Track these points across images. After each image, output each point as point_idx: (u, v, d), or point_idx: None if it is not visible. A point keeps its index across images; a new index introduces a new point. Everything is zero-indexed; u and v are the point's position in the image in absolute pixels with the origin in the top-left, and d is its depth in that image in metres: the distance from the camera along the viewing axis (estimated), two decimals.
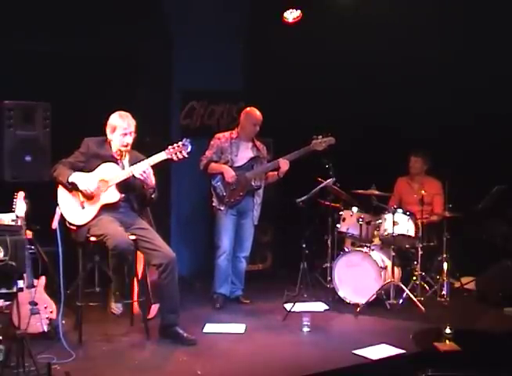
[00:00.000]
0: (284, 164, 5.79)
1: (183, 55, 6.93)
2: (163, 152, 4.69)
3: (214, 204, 5.89)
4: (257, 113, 5.89)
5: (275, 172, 5.89)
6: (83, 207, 4.73)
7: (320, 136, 5.81)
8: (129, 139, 4.81)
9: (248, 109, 5.95)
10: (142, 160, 4.76)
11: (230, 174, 5.75)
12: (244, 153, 5.90)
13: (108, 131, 4.83)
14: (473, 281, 6.43)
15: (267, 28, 7.02)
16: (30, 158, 5.41)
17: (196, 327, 5.10)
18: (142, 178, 4.68)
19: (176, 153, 4.66)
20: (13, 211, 4.51)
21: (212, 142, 5.91)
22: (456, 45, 6.61)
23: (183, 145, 4.67)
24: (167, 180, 6.58)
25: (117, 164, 4.83)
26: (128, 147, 4.85)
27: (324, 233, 6.44)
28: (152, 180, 4.74)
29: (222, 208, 5.83)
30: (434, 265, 6.41)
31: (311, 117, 7.00)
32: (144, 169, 4.66)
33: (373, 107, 7.01)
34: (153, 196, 4.87)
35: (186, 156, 4.73)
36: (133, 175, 4.74)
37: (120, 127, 4.77)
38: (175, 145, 4.68)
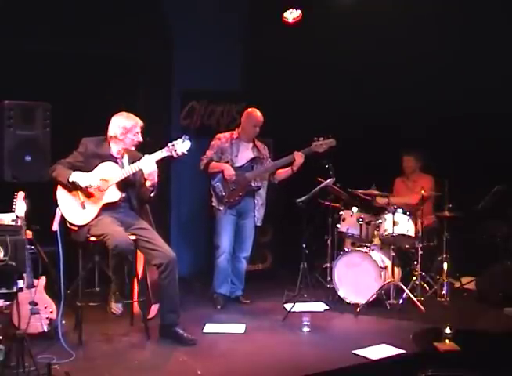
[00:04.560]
0: (299, 156, 5.75)
1: (183, 55, 6.93)
2: (163, 149, 4.71)
3: (213, 204, 5.89)
4: (258, 114, 5.89)
5: (288, 168, 5.88)
6: (84, 208, 4.72)
7: (321, 138, 5.79)
8: (140, 139, 4.86)
9: (249, 110, 5.95)
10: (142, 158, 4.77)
11: (230, 172, 5.75)
12: (244, 154, 5.90)
13: (117, 131, 4.82)
14: (473, 281, 6.43)
15: (267, 28, 7.02)
16: (30, 158, 5.41)
17: (196, 327, 5.10)
18: (149, 171, 4.68)
19: (176, 150, 4.68)
20: (13, 211, 4.51)
21: (213, 143, 5.92)
22: (455, 44, 6.61)
23: (182, 142, 4.69)
24: (167, 180, 6.58)
25: (117, 163, 4.83)
26: (134, 147, 4.88)
27: (324, 233, 6.45)
28: (155, 177, 4.76)
29: (221, 208, 5.83)
30: (434, 265, 6.42)
31: (312, 117, 7.00)
32: (153, 162, 4.68)
33: (373, 107, 7.02)
34: (152, 194, 4.88)
35: (186, 152, 4.76)
36: (133, 174, 4.75)
37: (134, 127, 4.82)
38: (175, 142, 4.71)
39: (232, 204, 5.82)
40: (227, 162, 5.83)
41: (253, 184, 5.88)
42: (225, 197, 5.81)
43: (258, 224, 5.97)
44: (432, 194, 6.32)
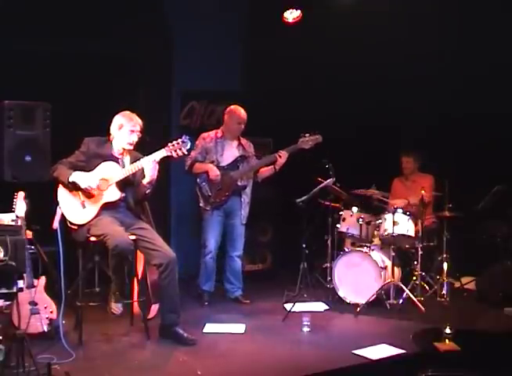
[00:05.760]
0: (283, 155, 5.75)
1: (183, 55, 6.94)
2: (163, 149, 4.72)
3: (200, 205, 5.88)
4: (242, 111, 5.88)
5: (271, 166, 5.87)
6: (84, 207, 4.73)
7: (307, 135, 5.78)
8: (135, 138, 4.85)
9: (232, 107, 5.93)
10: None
11: (215, 172, 5.75)
12: (230, 153, 5.89)
13: (114, 128, 4.85)
14: (473, 281, 6.43)
15: (267, 28, 7.02)
16: (30, 158, 5.41)
17: (196, 327, 5.10)
18: (149, 170, 4.68)
19: (176, 150, 4.70)
20: (13, 211, 4.51)
21: (197, 143, 5.89)
22: (455, 44, 6.61)
23: (182, 142, 4.71)
24: (167, 180, 6.58)
25: (118, 163, 4.84)
26: (132, 147, 4.87)
27: (324, 233, 6.44)
28: (155, 175, 4.76)
29: (208, 208, 5.83)
30: (434, 265, 6.42)
31: (311, 116, 7.00)
32: (154, 160, 4.68)
33: (373, 107, 7.02)
34: (147, 192, 4.88)
35: (186, 153, 4.80)
36: (133, 173, 4.76)
37: (128, 124, 4.82)
38: (175, 142, 4.72)
39: (219, 204, 5.82)
40: (212, 162, 5.82)
41: (239, 183, 5.87)
42: (212, 197, 5.80)
43: (243, 222, 5.96)
44: (435, 194, 6.31)
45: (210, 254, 5.88)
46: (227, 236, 5.96)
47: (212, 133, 5.93)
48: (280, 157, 5.75)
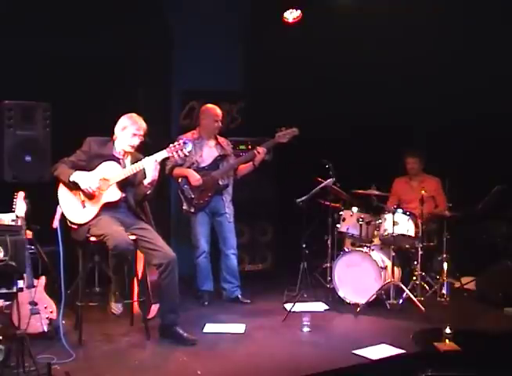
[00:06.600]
0: (261, 151, 5.76)
1: (183, 55, 6.94)
2: (164, 150, 4.72)
3: (184, 207, 5.85)
4: (217, 109, 5.89)
5: (250, 163, 5.87)
6: (84, 207, 4.74)
7: (283, 128, 5.79)
8: (136, 141, 4.84)
9: (208, 106, 5.94)
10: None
11: (195, 178, 5.74)
12: (209, 153, 5.88)
13: (118, 129, 4.85)
14: (473, 281, 6.43)
15: (267, 28, 7.02)
16: (30, 158, 5.42)
17: (196, 327, 5.10)
18: (151, 171, 4.69)
19: (177, 152, 4.70)
20: (13, 211, 4.51)
21: None
22: (455, 44, 6.61)
23: (184, 143, 4.71)
24: (167, 180, 6.58)
25: (119, 163, 4.84)
26: (133, 149, 4.88)
27: (324, 233, 6.44)
28: (156, 176, 4.77)
29: (193, 210, 5.82)
30: (434, 265, 6.41)
31: (311, 116, 7.00)
32: (156, 160, 4.69)
33: (373, 107, 7.02)
34: (148, 192, 4.88)
35: (187, 154, 4.81)
36: (134, 174, 4.77)
37: (132, 127, 4.81)
38: (176, 143, 4.73)
39: (203, 206, 5.81)
40: (192, 164, 5.81)
41: (220, 182, 5.86)
42: (195, 199, 5.78)
43: (230, 221, 5.95)
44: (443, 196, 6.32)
45: (204, 253, 5.88)
46: (218, 235, 5.97)
47: (189, 135, 5.89)
48: (259, 153, 5.77)
